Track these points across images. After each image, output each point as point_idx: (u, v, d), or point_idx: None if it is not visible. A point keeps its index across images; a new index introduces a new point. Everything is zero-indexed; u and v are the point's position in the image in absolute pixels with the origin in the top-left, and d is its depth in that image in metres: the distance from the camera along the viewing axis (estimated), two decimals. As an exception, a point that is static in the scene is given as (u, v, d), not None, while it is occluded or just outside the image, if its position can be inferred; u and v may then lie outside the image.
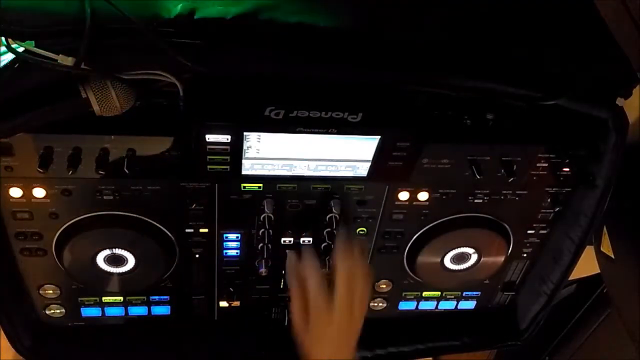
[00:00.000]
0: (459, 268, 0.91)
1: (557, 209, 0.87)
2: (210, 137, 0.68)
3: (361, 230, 0.86)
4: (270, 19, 0.61)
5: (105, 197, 0.75)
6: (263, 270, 0.84)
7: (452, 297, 1.01)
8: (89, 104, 0.61)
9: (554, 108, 0.71)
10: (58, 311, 0.89)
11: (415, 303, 1.01)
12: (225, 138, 0.69)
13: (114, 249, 0.78)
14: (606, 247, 0.90)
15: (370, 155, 0.74)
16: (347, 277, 0.72)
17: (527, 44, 0.68)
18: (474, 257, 0.90)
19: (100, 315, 0.91)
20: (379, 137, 0.71)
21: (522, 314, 1.03)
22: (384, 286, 0.96)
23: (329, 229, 0.83)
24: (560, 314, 1.29)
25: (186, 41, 0.60)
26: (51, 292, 0.86)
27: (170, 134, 0.70)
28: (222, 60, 0.61)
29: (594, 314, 1.27)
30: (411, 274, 0.93)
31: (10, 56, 0.59)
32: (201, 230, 0.82)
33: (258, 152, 0.72)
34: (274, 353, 0.98)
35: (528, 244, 0.93)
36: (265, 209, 0.79)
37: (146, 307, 0.92)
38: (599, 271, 0.96)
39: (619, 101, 0.73)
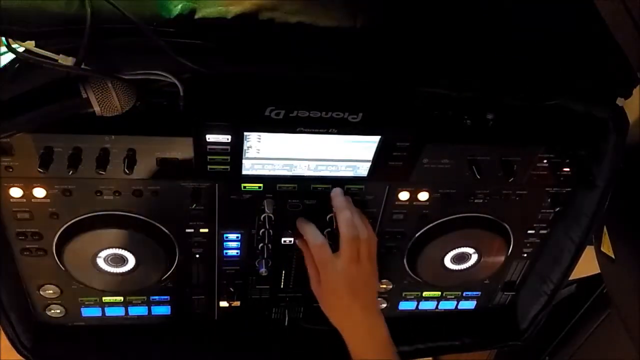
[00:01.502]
0: (459, 268, 0.91)
1: (557, 209, 0.87)
2: (210, 137, 0.68)
3: (361, 230, 0.86)
4: (270, 19, 0.61)
5: (105, 197, 0.75)
6: (263, 270, 0.84)
7: (452, 297, 1.01)
8: (89, 104, 0.61)
9: (554, 108, 0.71)
10: (58, 311, 0.89)
11: (415, 303, 1.01)
12: (225, 138, 0.69)
13: (114, 249, 0.78)
14: (606, 247, 0.90)
15: (370, 155, 0.74)
16: (348, 224, 0.75)
17: (527, 43, 0.68)
18: (474, 257, 0.90)
19: (100, 315, 0.91)
20: (379, 137, 0.71)
21: (522, 314, 1.03)
22: (384, 286, 0.96)
23: (329, 229, 0.83)
24: (560, 314, 1.29)
25: (186, 41, 0.60)
26: (51, 292, 0.86)
27: (170, 134, 0.70)
28: (222, 60, 0.61)
29: (594, 314, 1.27)
30: (411, 274, 0.93)
31: (10, 56, 0.59)
32: (201, 230, 0.82)
33: (258, 152, 0.72)
34: (274, 353, 0.99)
35: (528, 244, 0.93)
36: (266, 209, 0.79)
37: (146, 307, 0.92)
38: (599, 271, 0.96)
39: (619, 101, 0.73)
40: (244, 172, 0.74)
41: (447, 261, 0.90)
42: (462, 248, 0.88)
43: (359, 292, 0.75)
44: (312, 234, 0.77)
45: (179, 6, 0.60)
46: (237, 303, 0.93)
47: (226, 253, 0.86)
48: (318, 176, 0.77)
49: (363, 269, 0.75)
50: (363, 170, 0.76)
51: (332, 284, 0.76)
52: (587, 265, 0.95)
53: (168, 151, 0.71)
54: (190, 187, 0.76)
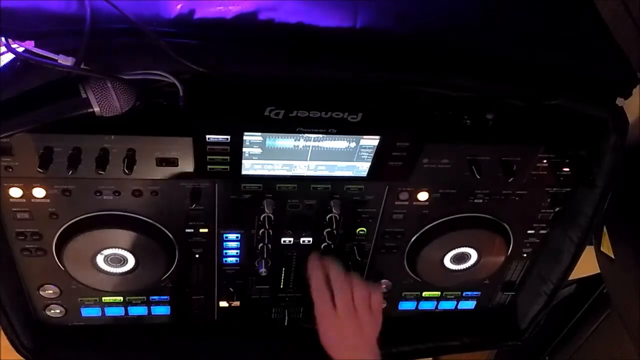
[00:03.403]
0: (459, 268, 0.91)
1: (557, 209, 0.87)
2: (210, 137, 0.68)
3: (361, 230, 0.86)
4: (270, 19, 0.61)
5: (105, 197, 0.75)
6: (263, 270, 0.84)
7: (452, 297, 1.01)
8: (89, 104, 0.61)
9: (554, 108, 0.71)
10: (58, 311, 0.89)
11: (415, 303, 1.01)
12: (225, 138, 0.69)
13: (113, 249, 0.78)
14: (606, 247, 0.90)
15: (370, 155, 0.74)
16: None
17: (527, 43, 0.68)
18: (474, 257, 0.90)
19: (100, 315, 0.91)
20: (379, 137, 0.71)
21: (522, 314, 1.03)
22: (384, 286, 0.96)
23: (329, 229, 0.83)
24: (560, 314, 1.29)
25: (186, 41, 0.60)
26: (51, 292, 0.86)
27: (170, 134, 0.70)
28: (222, 60, 0.61)
29: (594, 314, 1.27)
30: (411, 274, 0.93)
31: (10, 56, 0.59)
32: (201, 230, 0.82)
33: (258, 152, 0.72)
34: (273, 353, 0.99)
35: (528, 244, 0.93)
36: (265, 209, 0.79)
37: (146, 307, 0.92)
38: (599, 271, 0.96)
39: (619, 101, 0.73)
40: (243, 172, 0.74)
41: (447, 261, 0.90)
42: (462, 248, 0.88)
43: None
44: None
45: (179, 6, 0.60)
46: (237, 303, 0.93)
47: (226, 253, 0.86)
48: (318, 176, 0.77)
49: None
50: (363, 170, 0.76)
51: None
52: (587, 265, 0.95)
53: (168, 151, 0.71)
54: (190, 187, 0.76)
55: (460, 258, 0.90)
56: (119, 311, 0.91)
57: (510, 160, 0.78)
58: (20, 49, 0.57)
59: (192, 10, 0.60)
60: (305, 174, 0.76)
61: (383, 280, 0.95)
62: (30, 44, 0.57)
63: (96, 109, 0.62)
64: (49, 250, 0.79)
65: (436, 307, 1.02)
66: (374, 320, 0.81)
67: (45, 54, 0.57)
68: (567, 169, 0.82)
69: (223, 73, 0.62)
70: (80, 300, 0.88)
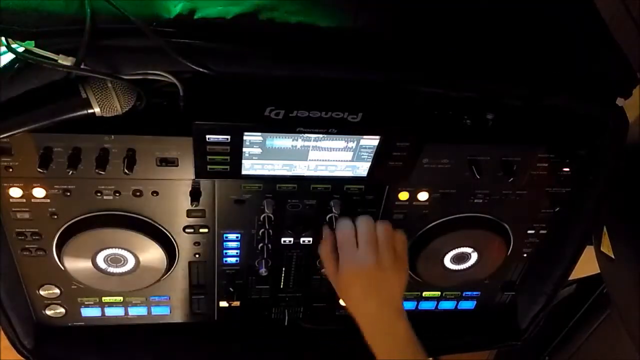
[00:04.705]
0: (459, 268, 0.91)
1: (557, 209, 0.87)
2: (210, 137, 0.68)
3: (361, 230, 0.86)
4: (270, 19, 0.61)
5: (105, 197, 0.75)
6: (263, 270, 0.84)
7: (452, 297, 1.01)
8: (89, 104, 0.61)
9: (554, 108, 0.71)
10: (58, 311, 0.89)
11: (415, 303, 1.01)
12: (225, 138, 0.69)
13: (113, 249, 0.78)
14: (606, 247, 0.90)
15: (370, 156, 0.74)
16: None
17: (527, 43, 0.68)
18: (474, 257, 0.90)
19: (100, 315, 0.91)
20: (379, 137, 0.71)
21: (522, 314, 1.03)
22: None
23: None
24: (560, 314, 1.29)
25: (186, 41, 0.60)
26: (51, 292, 0.86)
27: (170, 134, 0.70)
28: (222, 60, 0.61)
29: (594, 314, 1.27)
30: (411, 273, 0.93)
31: (10, 56, 0.59)
32: (201, 230, 0.82)
33: (258, 152, 0.72)
34: (273, 353, 0.99)
35: (528, 244, 0.93)
36: (265, 209, 0.79)
37: (146, 307, 0.92)
38: (599, 271, 0.96)
39: (619, 101, 0.73)
40: (243, 172, 0.74)
41: (447, 261, 0.90)
42: (462, 248, 0.88)
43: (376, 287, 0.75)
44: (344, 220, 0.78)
45: (179, 6, 0.60)
46: (237, 303, 0.93)
47: (226, 253, 0.86)
48: (318, 176, 0.77)
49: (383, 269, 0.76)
50: (363, 170, 0.76)
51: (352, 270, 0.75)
52: (587, 265, 0.95)
53: (168, 151, 0.71)
54: (190, 187, 0.76)
55: (460, 258, 0.90)
56: (119, 311, 0.91)
57: (510, 160, 0.78)
58: (20, 49, 0.57)
59: (192, 10, 0.60)
60: (305, 174, 0.76)
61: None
62: (30, 44, 0.57)
63: (96, 109, 0.62)
64: (49, 250, 0.79)
65: (436, 307, 1.02)
66: (400, 265, 0.76)
67: (45, 54, 0.57)
68: (567, 169, 0.82)
69: (223, 73, 0.62)
70: (80, 300, 0.88)
